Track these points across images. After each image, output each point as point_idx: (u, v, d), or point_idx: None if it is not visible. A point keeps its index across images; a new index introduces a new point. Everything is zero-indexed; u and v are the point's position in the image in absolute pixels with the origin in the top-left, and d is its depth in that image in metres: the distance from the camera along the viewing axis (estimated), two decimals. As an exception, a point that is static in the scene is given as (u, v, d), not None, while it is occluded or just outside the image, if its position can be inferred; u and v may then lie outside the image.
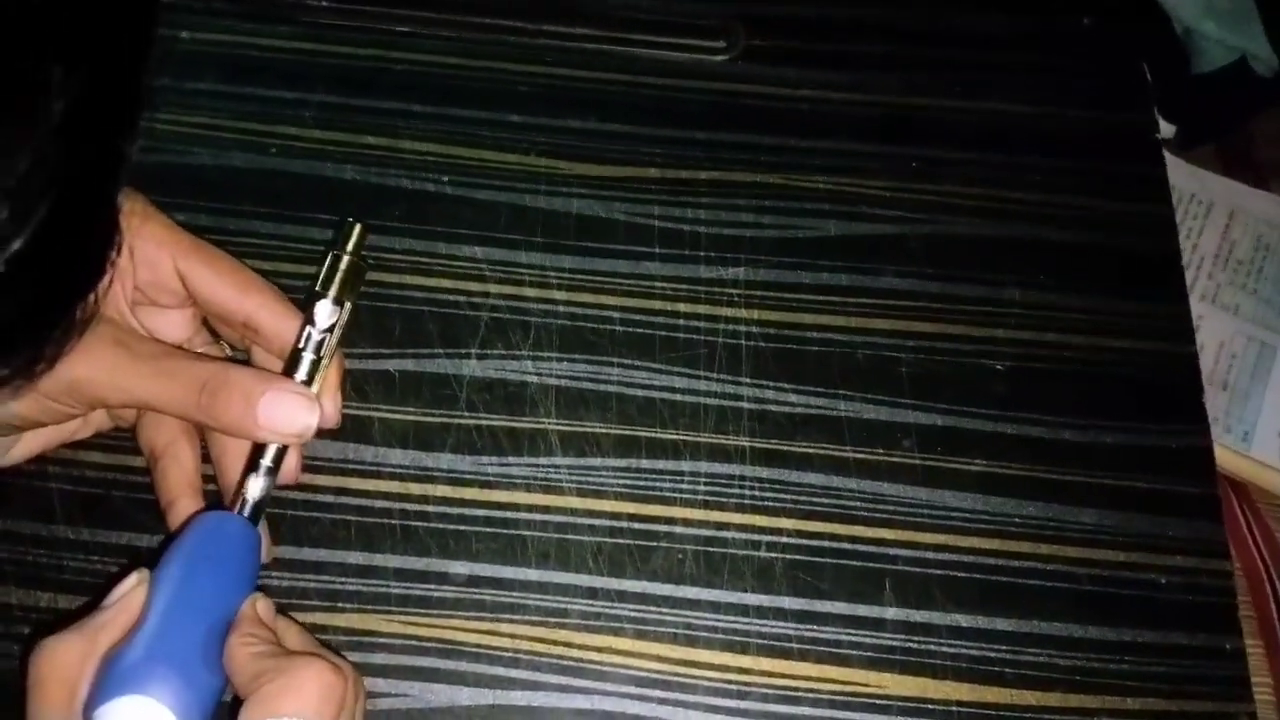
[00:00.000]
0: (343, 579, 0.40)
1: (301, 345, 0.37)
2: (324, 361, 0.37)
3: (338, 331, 0.37)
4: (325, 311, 0.37)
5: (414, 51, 0.50)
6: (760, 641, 0.40)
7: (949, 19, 0.53)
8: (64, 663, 0.31)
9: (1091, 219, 0.49)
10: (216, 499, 0.38)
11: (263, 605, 0.34)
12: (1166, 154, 0.55)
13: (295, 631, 0.35)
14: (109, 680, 0.31)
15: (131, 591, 0.32)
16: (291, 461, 0.37)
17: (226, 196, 0.46)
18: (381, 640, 0.39)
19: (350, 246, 0.38)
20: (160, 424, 0.38)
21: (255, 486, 0.36)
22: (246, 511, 0.36)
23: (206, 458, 0.39)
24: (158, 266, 0.37)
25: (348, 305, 0.38)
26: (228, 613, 0.34)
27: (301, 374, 0.37)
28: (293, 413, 0.35)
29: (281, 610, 0.36)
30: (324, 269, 0.38)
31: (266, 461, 0.36)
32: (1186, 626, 0.41)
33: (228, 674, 0.32)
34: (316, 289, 0.37)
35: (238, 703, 0.32)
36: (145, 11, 0.22)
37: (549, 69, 0.50)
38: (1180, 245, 0.48)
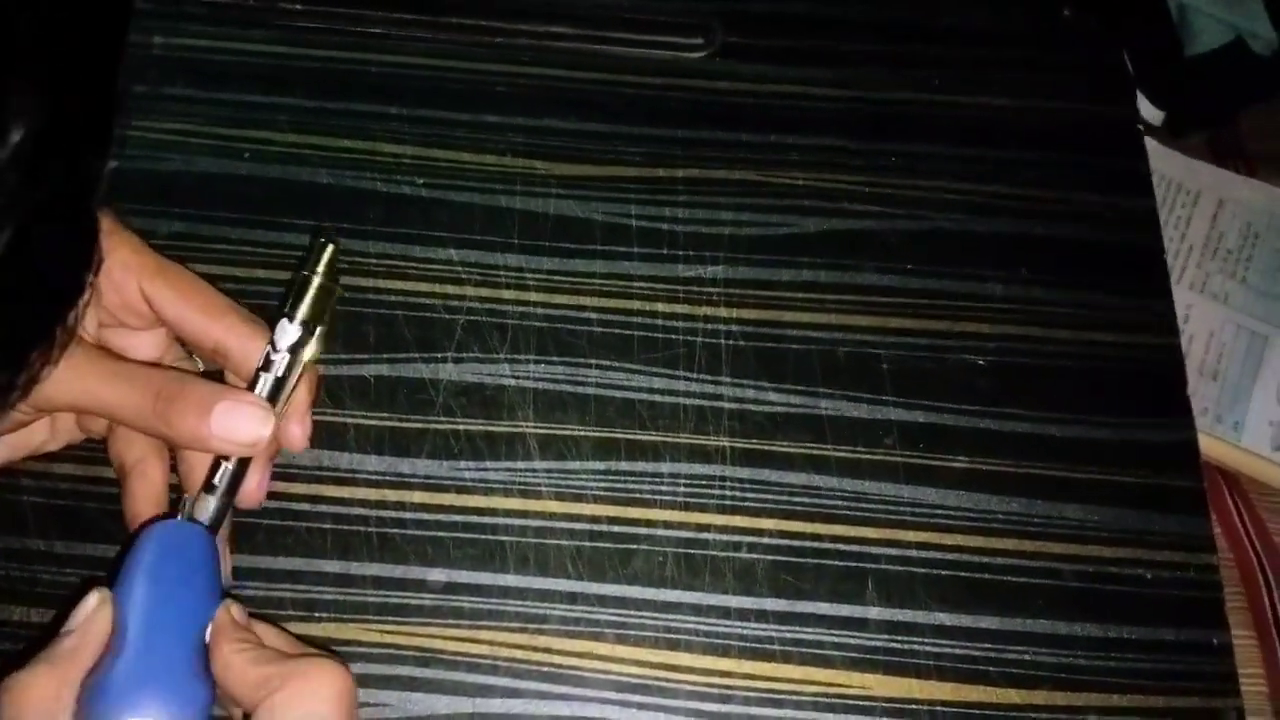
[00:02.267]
0: (319, 588, 0.39)
1: (262, 365, 0.36)
2: (288, 383, 0.36)
3: (307, 353, 0.37)
4: (286, 332, 0.36)
5: (388, 54, 0.50)
6: (742, 644, 0.40)
7: (928, 14, 0.53)
8: (39, 696, 0.30)
9: (1074, 213, 0.48)
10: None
11: (236, 609, 0.34)
12: (1153, 143, 0.54)
13: (273, 632, 0.35)
14: (101, 708, 0.30)
15: (96, 613, 0.32)
16: (252, 483, 0.37)
17: (199, 202, 0.45)
18: (359, 649, 0.39)
19: (320, 267, 0.37)
20: (131, 440, 0.37)
21: (206, 505, 0.35)
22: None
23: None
24: (124, 289, 0.36)
25: (320, 330, 0.37)
26: (204, 622, 0.33)
27: (261, 392, 0.36)
28: (246, 422, 0.35)
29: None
30: (293, 290, 0.37)
31: (221, 479, 0.36)
32: (1173, 622, 0.41)
33: (223, 683, 0.32)
34: (284, 310, 0.37)
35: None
36: (111, 32, 0.21)
37: (525, 68, 0.50)
38: (1168, 234, 0.48)
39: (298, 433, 0.38)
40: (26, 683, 0.30)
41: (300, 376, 0.37)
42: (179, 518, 0.35)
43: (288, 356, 0.36)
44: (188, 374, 0.37)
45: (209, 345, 0.37)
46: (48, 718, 0.30)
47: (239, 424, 0.34)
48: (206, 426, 0.34)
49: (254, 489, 0.37)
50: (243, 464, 0.36)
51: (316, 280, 0.37)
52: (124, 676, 0.30)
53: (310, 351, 0.37)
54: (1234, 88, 0.63)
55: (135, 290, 0.36)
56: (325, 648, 0.38)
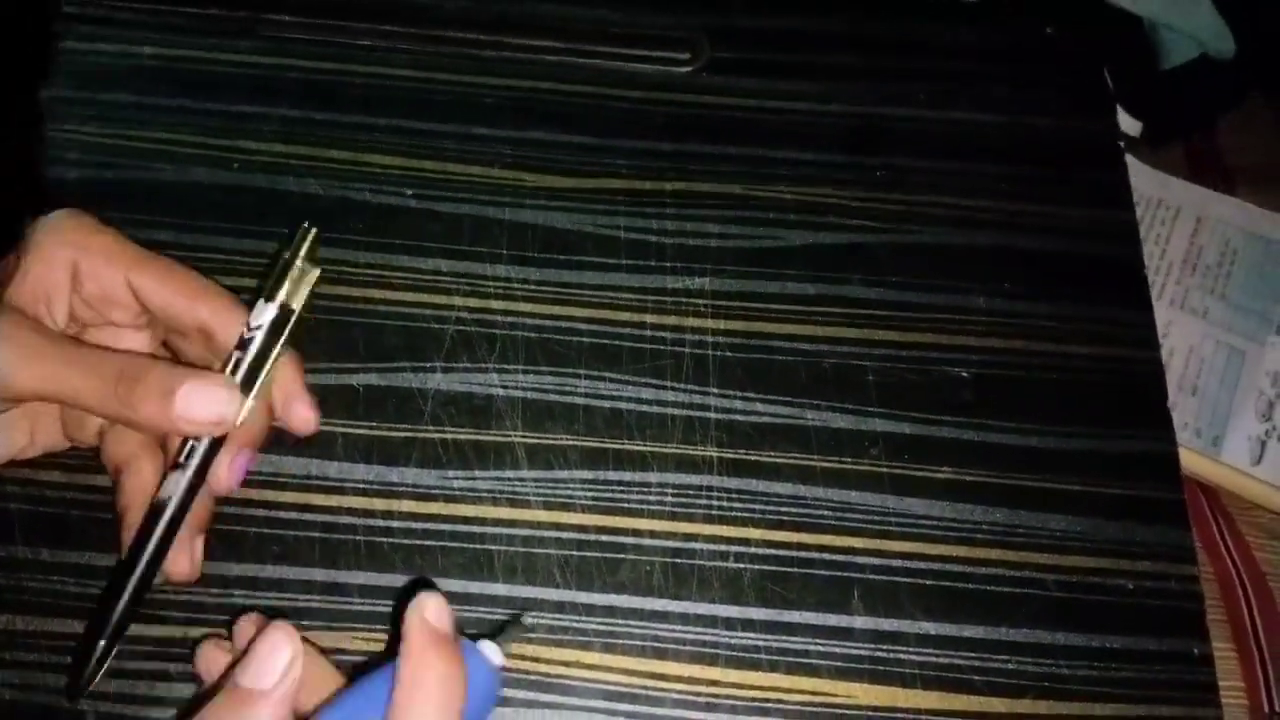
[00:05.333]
0: (307, 596, 0.39)
1: (237, 345, 0.36)
2: (265, 363, 0.36)
3: (285, 334, 0.36)
4: (263, 311, 0.36)
5: (378, 65, 0.50)
6: (729, 653, 0.40)
7: (913, 29, 0.54)
8: None
9: (1056, 226, 0.49)
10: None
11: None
12: (1134, 160, 0.55)
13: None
14: None
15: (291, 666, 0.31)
16: (222, 465, 0.36)
17: (188, 211, 0.46)
18: (347, 658, 0.38)
19: (303, 251, 0.37)
20: (122, 439, 0.37)
21: (175, 483, 0.35)
22: (164, 517, 0.35)
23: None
24: (106, 279, 0.36)
25: (297, 309, 0.37)
26: None
27: (234, 373, 0.36)
28: (210, 401, 0.34)
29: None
30: (273, 272, 0.37)
31: (189, 458, 0.35)
32: (1155, 631, 0.41)
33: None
34: (262, 292, 0.37)
35: None
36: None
37: (513, 81, 0.50)
38: (1148, 250, 0.49)
39: (307, 415, 0.38)
40: None
41: (279, 359, 0.37)
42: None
43: (263, 336, 0.36)
44: (153, 358, 0.36)
45: (194, 326, 0.37)
46: None
47: (204, 402, 0.34)
48: (171, 408, 0.34)
49: (224, 472, 0.37)
50: (214, 444, 0.36)
51: (297, 261, 0.37)
52: None
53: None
54: (1204, 98, 0.65)
55: (120, 279, 0.36)
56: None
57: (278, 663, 0.30)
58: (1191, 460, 0.54)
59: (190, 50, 0.50)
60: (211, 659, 0.35)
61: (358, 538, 0.40)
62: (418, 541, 0.40)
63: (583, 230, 0.47)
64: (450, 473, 0.42)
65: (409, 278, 0.45)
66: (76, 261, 0.36)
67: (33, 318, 0.35)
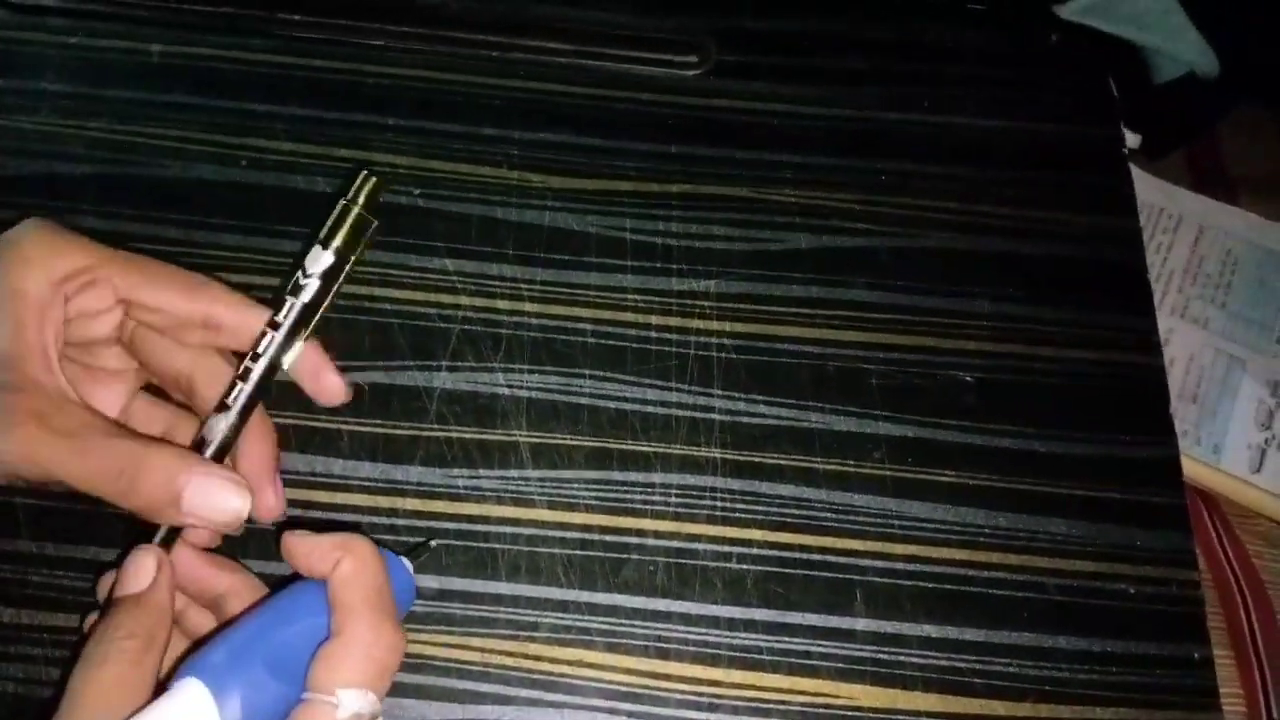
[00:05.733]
0: (311, 592, 0.39)
1: (281, 316, 0.36)
2: (317, 312, 0.37)
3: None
4: (319, 258, 0.36)
5: (387, 65, 0.50)
6: (732, 653, 0.40)
7: (919, 35, 0.54)
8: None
9: (1060, 232, 0.49)
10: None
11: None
12: (1137, 170, 0.55)
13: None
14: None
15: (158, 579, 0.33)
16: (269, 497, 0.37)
17: (197, 209, 0.46)
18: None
19: (361, 198, 0.37)
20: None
21: (218, 426, 0.36)
22: (209, 452, 0.35)
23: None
24: (98, 303, 0.35)
25: (353, 258, 0.37)
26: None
27: (276, 338, 0.36)
28: (220, 499, 0.34)
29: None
30: (331, 217, 0.37)
31: (235, 399, 0.36)
32: (1155, 636, 0.41)
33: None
34: (319, 238, 0.37)
35: None
36: None
37: (522, 83, 0.51)
38: (1150, 259, 0.49)
39: (337, 381, 0.38)
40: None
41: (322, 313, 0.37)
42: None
43: (318, 283, 0.36)
44: (151, 441, 0.35)
45: (198, 321, 0.36)
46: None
47: (213, 501, 0.34)
48: (176, 508, 0.33)
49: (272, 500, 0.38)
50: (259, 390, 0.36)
51: (355, 210, 0.37)
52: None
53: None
54: (1195, 112, 0.65)
55: (109, 293, 0.35)
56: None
57: (142, 570, 0.33)
58: (1191, 468, 0.55)
59: (200, 48, 0.50)
60: (106, 585, 0.35)
61: (376, 537, 0.40)
62: (422, 539, 0.40)
63: (589, 231, 0.47)
64: (455, 471, 0.42)
65: (416, 277, 0.45)
66: (67, 295, 0.35)
67: (33, 377, 0.34)
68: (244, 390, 0.36)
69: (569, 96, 0.50)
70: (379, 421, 0.42)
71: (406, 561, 0.36)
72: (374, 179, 0.37)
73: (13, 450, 0.32)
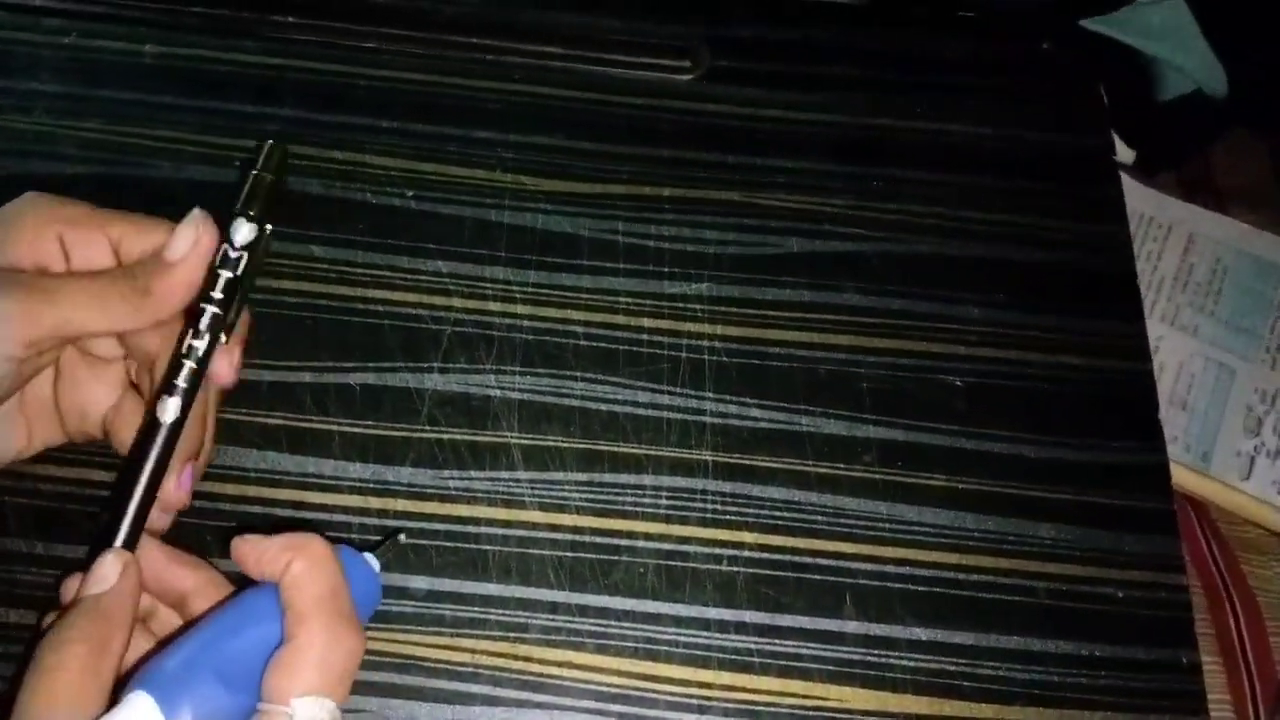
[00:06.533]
0: (301, 593, 0.39)
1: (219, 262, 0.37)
2: (246, 283, 0.37)
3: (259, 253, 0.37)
4: (240, 229, 0.37)
5: (381, 68, 0.50)
6: (722, 656, 0.40)
7: (911, 42, 0.54)
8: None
9: (1050, 239, 0.49)
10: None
11: None
12: (1127, 178, 0.55)
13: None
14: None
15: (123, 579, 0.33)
16: (170, 482, 0.36)
17: (188, 209, 0.45)
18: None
19: (272, 165, 0.38)
20: (129, 422, 0.37)
21: (168, 406, 0.35)
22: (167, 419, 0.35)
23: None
24: (93, 247, 0.37)
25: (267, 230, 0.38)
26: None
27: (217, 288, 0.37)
28: (186, 228, 0.37)
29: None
30: (244, 188, 0.38)
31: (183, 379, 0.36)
32: (1143, 640, 0.42)
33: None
34: (236, 209, 0.38)
35: None
36: None
37: (516, 86, 0.51)
38: (1140, 267, 0.49)
39: (226, 367, 0.38)
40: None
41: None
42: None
43: (245, 255, 0.37)
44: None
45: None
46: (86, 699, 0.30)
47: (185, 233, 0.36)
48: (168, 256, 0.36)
49: (227, 369, 0.37)
50: (206, 356, 0.36)
51: (268, 178, 0.38)
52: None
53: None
54: (1196, 131, 0.65)
55: (104, 244, 0.37)
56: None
57: (107, 569, 0.33)
58: (1181, 475, 0.55)
59: (193, 49, 0.50)
60: (70, 589, 0.35)
61: (352, 536, 0.40)
62: (412, 540, 0.40)
63: (581, 234, 0.47)
64: (446, 473, 0.42)
65: (408, 278, 0.45)
66: (62, 233, 0.36)
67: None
68: (189, 366, 0.36)
69: (562, 100, 0.51)
70: (370, 423, 0.42)
71: (371, 558, 0.36)
72: (280, 147, 0.38)
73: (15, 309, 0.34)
